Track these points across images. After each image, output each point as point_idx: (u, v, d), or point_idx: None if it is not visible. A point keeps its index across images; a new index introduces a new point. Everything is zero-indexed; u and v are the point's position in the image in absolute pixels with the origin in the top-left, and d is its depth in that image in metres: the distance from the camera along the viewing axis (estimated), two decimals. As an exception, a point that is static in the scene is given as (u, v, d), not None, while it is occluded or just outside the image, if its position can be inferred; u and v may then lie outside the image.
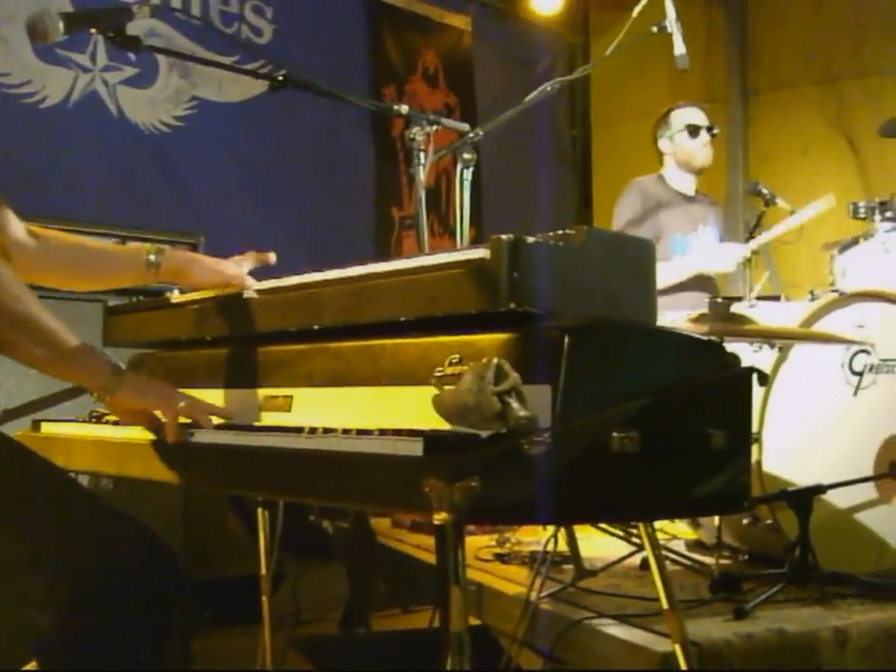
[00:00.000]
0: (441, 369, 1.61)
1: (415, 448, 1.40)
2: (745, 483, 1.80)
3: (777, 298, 3.55)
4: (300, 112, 6.01)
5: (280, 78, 2.65)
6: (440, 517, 1.35)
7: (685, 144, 4.94)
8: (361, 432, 1.57)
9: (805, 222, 4.25)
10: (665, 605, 2.06)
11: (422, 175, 2.78)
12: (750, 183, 4.89)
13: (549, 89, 3.44)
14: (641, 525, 2.05)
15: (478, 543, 3.59)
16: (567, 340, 1.55)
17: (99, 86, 5.46)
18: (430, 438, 1.41)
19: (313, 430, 1.65)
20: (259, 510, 2.89)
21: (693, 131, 4.92)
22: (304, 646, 3.81)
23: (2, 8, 4.97)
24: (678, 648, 2.07)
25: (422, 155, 2.78)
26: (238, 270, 2.33)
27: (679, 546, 3.53)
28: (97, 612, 1.82)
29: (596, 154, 8.10)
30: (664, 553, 3.13)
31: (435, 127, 2.79)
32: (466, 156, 3.01)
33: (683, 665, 2.05)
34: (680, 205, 4.91)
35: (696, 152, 4.94)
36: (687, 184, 4.99)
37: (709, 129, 4.94)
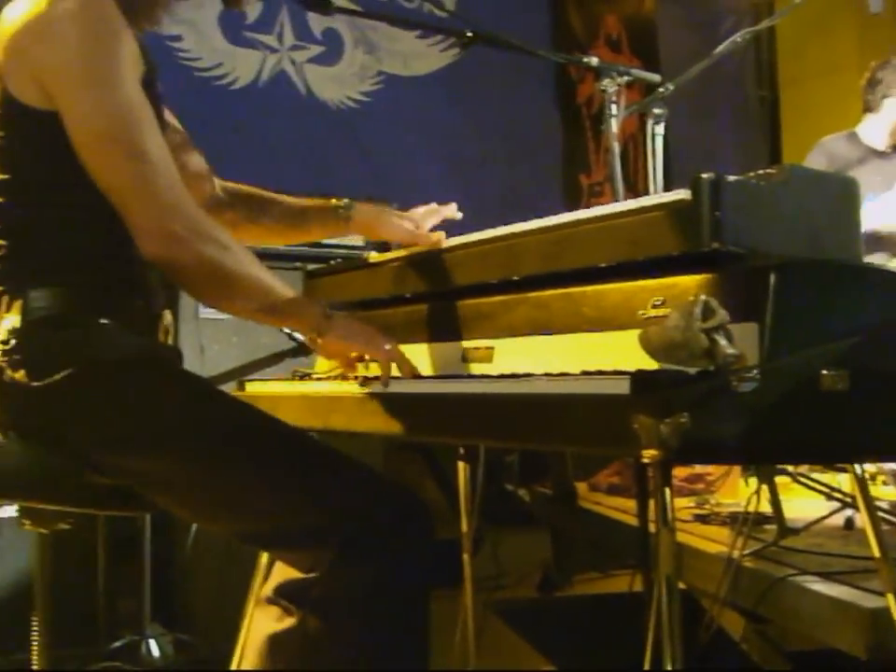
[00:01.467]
0: (644, 311, 1.60)
1: (622, 386, 1.39)
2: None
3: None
4: (484, 83, 6.05)
5: (469, 35, 2.65)
6: (649, 454, 1.34)
7: None
8: (565, 375, 1.57)
9: None
10: (876, 553, 2.01)
11: (614, 127, 2.76)
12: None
13: (738, 40, 3.37)
14: (851, 469, 1.99)
15: (677, 505, 3.54)
16: (772, 277, 1.52)
17: (287, 65, 5.58)
18: (638, 375, 1.40)
19: (516, 375, 1.66)
20: (461, 464, 2.91)
21: None
22: (503, 610, 3.85)
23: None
24: (890, 597, 2.01)
25: (614, 107, 2.76)
26: (423, 227, 2.36)
27: (885, 507, 3.44)
28: (369, 557, 1.81)
29: (785, 114, 7.90)
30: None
31: (626, 78, 2.77)
32: (656, 111, 2.98)
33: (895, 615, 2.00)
34: (873, 162, 4.76)
35: None
36: (882, 139, 4.82)
37: None
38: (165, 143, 2.00)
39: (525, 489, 4.09)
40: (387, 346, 1.98)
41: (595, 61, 2.82)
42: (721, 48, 3.34)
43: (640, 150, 3.08)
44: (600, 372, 1.52)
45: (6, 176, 2.04)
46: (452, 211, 2.42)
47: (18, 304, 1.97)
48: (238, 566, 3.09)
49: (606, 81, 2.75)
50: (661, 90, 3.12)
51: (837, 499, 3.04)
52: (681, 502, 3.60)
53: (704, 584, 2.90)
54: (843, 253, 1.70)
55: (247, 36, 5.44)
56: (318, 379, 2.19)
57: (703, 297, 1.45)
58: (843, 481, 3.37)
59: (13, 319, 1.96)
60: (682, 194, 1.61)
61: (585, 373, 1.55)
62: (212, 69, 5.24)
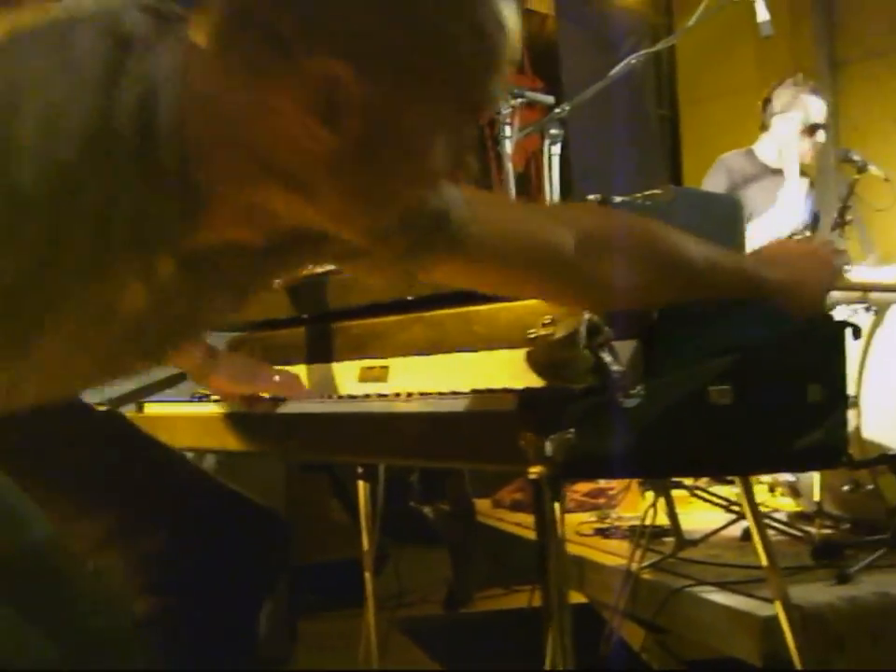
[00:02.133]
0: (533, 330, 1.63)
1: (509, 403, 1.42)
2: (842, 438, 1.80)
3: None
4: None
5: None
6: (536, 470, 1.37)
7: (797, 140, 4.84)
8: (456, 393, 1.60)
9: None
10: (764, 561, 2.06)
11: (508, 148, 2.81)
12: (841, 150, 4.83)
13: (633, 62, 3.44)
14: (739, 482, 2.04)
15: (578, 519, 3.60)
16: (657, 294, 1.56)
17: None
18: (524, 393, 1.44)
19: (409, 394, 1.68)
20: (360, 483, 2.93)
21: (810, 131, 4.82)
22: (408, 627, 3.86)
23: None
24: (778, 604, 2.06)
25: (507, 129, 2.81)
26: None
27: (782, 518, 3.52)
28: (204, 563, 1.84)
29: (685, 133, 8.04)
30: (766, 522, 3.15)
31: (520, 101, 2.81)
32: (553, 132, 3.03)
33: (785, 623, 2.04)
34: (768, 179, 4.86)
35: (806, 153, 4.84)
36: (774, 157, 4.93)
37: (825, 127, 4.82)
38: None
39: (428, 507, 4.11)
40: (276, 378, 2.00)
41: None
42: (616, 69, 3.42)
43: (543, 169, 3.12)
44: (490, 391, 1.55)
45: None
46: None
47: None
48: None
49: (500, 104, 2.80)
50: (557, 110, 3.18)
51: (733, 511, 3.11)
52: (583, 517, 3.65)
53: (605, 597, 2.94)
54: (727, 270, 1.75)
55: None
56: (216, 400, 2.20)
57: (587, 315, 1.48)
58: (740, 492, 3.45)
59: None
60: (570, 215, 1.65)
61: (476, 391, 1.57)
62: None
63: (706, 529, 3.14)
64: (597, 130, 6.76)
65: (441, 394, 1.63)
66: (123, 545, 1.90)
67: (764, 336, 1.67)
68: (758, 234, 4.52)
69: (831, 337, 1.78)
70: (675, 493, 3.08)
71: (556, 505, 1.49)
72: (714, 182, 4.88)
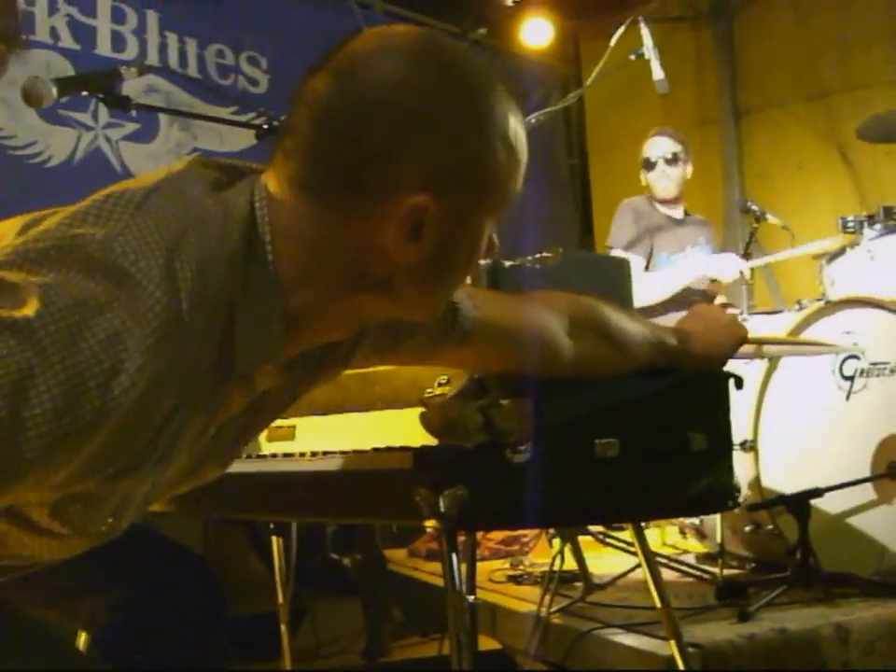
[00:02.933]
0: (430, 389, 1.71)
1: (406, 461, 1.50)
2: (728, 484, 1.90)
3: (779, 312, 3.59)
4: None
5: (265, 127, 2.75)
6: (430, 524, 1.45)
7: (648, 176, 5.08)
8: (357, 452, 1.67)
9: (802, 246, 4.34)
10: (657, 603, 2.14)
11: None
12: (740, 200, 5.00)
13: (533, 121, 3.54)
14: (630, 528, 2.13)
15: (492, 567, 3.66)
16: (546, 355, 1.65)
17: (102, 143, 5.58)
18: (419, 451, 1.51)
19: (314, 454, 1.75)
20: (274, 538, 2.98)
21: (651, 164, 5.05)
22: (324, 678, 3.90)
23: (3, 73, 5.11)
24: (672, 644, 2.15)
25: None
26: None
27: (690, 559, 3.61)
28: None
29: (595, 181, 8.17)
30: (672, 564, 3.24)
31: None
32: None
33: (679, 659, 2.13)
34: (669, 227, 5.01)
35: (654, 184, 5.05)
36: (671, 209, 5.09)
37: (670, 159, 5.02)
38: None
39: (347, 557, 4.16)
40: None
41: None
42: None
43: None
44: (389, 449, 1.63)
45: None
46: None
47: None
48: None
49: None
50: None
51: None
52: (497, 564, 3.72)
53: (517, 642, 3.01)
54: (613, 328, 1.84)
55: (62, 114, 5.42)
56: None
57: (475, 376, 1.56)
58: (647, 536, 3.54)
59: None
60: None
61: (376, 450, 1.65)
62: (26, 147, 5.22)
63: (614, 573, 3.23)
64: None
65: (343, 452, 1.70)
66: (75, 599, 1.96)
67: (649, 389, 1.76)
68: (664, 284, 4.68)
69: (713, 388, 1.88)
70: (583, 538, 3.17)
71: (454, 556, 1.56)
72: (621, 223, 5.01)
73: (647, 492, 1.77)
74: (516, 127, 1.40)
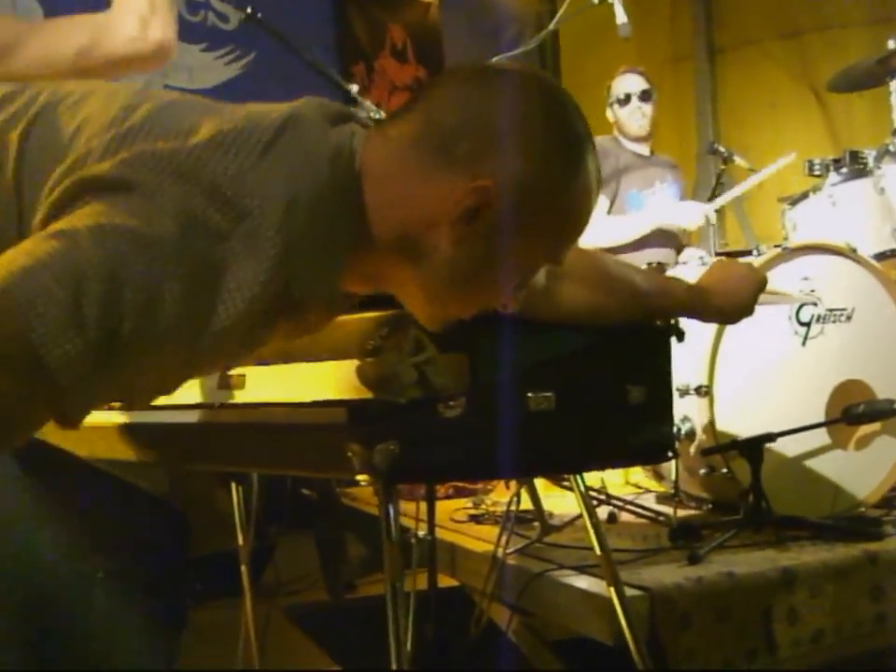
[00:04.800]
0: (372, 342, 1.73)
1: (339, 415, 1.53)
2: (667, 435, 1.93)
3: (749, 252, 3.61)
4: (270, 94, 6.10)
5: (248, 12, 2.77)
6: (362, 478, 1.49)
7: (619, 112, 5.08)
8: (296, 405, 1.70)
9: (765, 178, 4.37)
10: (597, 552, 2.19)
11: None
12: (707, 143, 5.03)
13: (506, 60, 3.52)
14: (572, 477, 2.17)
15: (454, 506, 3.71)
16: (480, 312, 1.67)
17: (71, 78, 5.56)
18: (353, 406, 1.54)
19: (256, 405, 1.78)
20: (233, 484, 3.02)
21: (623, 100, 5.06)
22: (293, 614, 3.95)
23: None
24: (612, 591, 2.20)
25: None
26: None
27: (650, 499, 3.66)
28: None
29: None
30: (627, 507, 3.29)
31: (378, 117, 2.89)
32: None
33: (619, 609, 2.17)
34: (638, 164, 5.03)
35: (627, 120, 5.07)
36: (639, 146, 5.10)
37: (642, 95, 5.04)
38: None
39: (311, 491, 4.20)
40: None
41: (354, 88, 2.93)
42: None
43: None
44: (326, 402, 1.65)
45: None
46: None
47: None
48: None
49: (362, 114, 2.86)
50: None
51: (597, 499, 3.24)
52: (460, 503, 3.77)
53: (475, 582, 3.06)
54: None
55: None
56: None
57: (414, 333, 1.59)
58: (606, 477, 3.58)
59: None
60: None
61: (315, 403, 1.68)
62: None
63: (574, 513, 3.27)
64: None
65: (283, 405, 1.73)
66: None
67: (586, 343, 1.79)
68: (630, 228, 4.71)
69: (652, 341, 1.91)
70: (540, 480, 3.21)
71: (391, 507, 1.60)
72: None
73: (583, 445, 1.80)
74: (592, 188, 1.51)
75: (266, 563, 3.93)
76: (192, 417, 1.96)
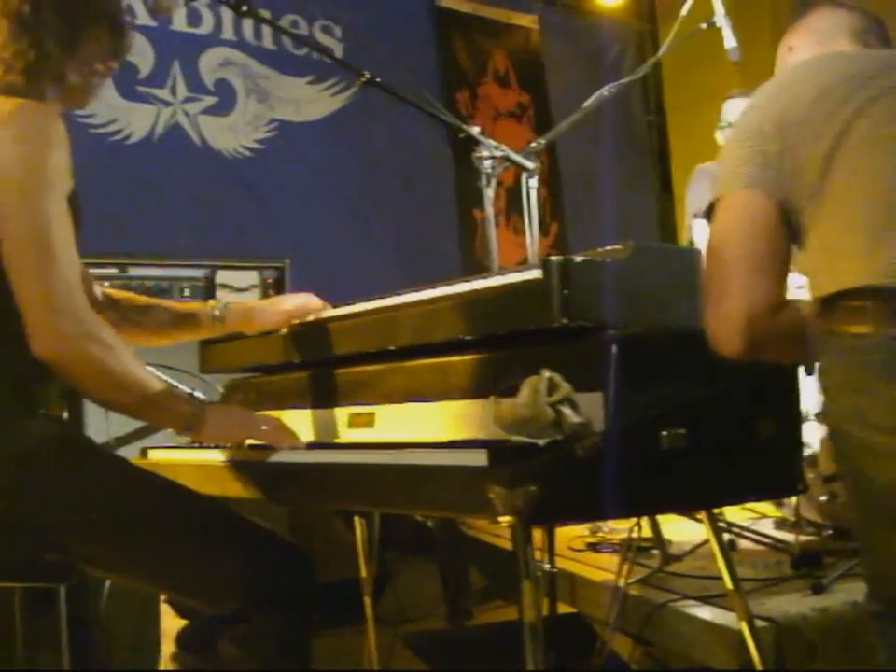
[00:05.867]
0: (503, 382, 1.76)
1: (480, 459, 1.55)
2: (797, 467, 1.93)
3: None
4: (375, 124, 6.21)
5: (366, 76, 2.82)
6: (505, 520, 1.51)
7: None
8: (433, 445, 1.73)
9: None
10: (728, 585, 2.19)
11: (490, 193, 2.90)
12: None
13: (606, 93, 3.54)
14: (703, 512, 2.17)
15: (572, 533, 3.71)
16: (614, 349, 1.70)
17: (181, 117, 5.68)
18: (493, 449, 1.56)
19: (389, 445, 1.81)
20: (356, 517, 3.07)
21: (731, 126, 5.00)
22: (413, 642, 3.97)
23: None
24: (744, 625, 2.19)
25: (485, 178, 2.90)
26: (294, 303, 2.52)
27: (767, 525, 3.63)
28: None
29: (672, 139, 8.13)
30: (747, 534, 3.26)
31: (501, 153, 2.91)
32: (529, 165, 3.11)
33: (751, 643, 2.17)
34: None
35: None
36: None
37: None
38: (76, 255, 2.15)
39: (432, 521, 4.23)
40: (264, 427, 2.13)
41: (475, 130, 2.96)
42: (588, 101, 3.52)
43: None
44: (463, 443, 1.69)
45: None
46: (315, 304, 2.55)
47: None
48: (154, 624, 3.20)
49: (484, 153, 2.88)
50: (534, 144, 3.28)
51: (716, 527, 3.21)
52: (577, 530, 3.76)
53: (594, 611, 3.06)
54: (683, 320, 1.88)
55: (141, 91, 5.53)
56: (213, 446, 2.32)
57: (547, 373, 1.61)
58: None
59: None
60: (535, 273, 1.77)
61: (451, 443, 1.71)
62: (107, 125, 5.31)
63: (694, 541, 3.26)
64: (586, 138, 6.86)
65: (419, 445, 1.77)
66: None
67: (718, 381, 1.80)
68: None
69: (782, 374, 1.91)
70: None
71: (528, 548, 1.62)
72: (697, 190, 4.99)
73: (715, 481, 1.81)
74: None
75: (383, 590, 3.96)
76: (325, 457, 2.01)
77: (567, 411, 1.59)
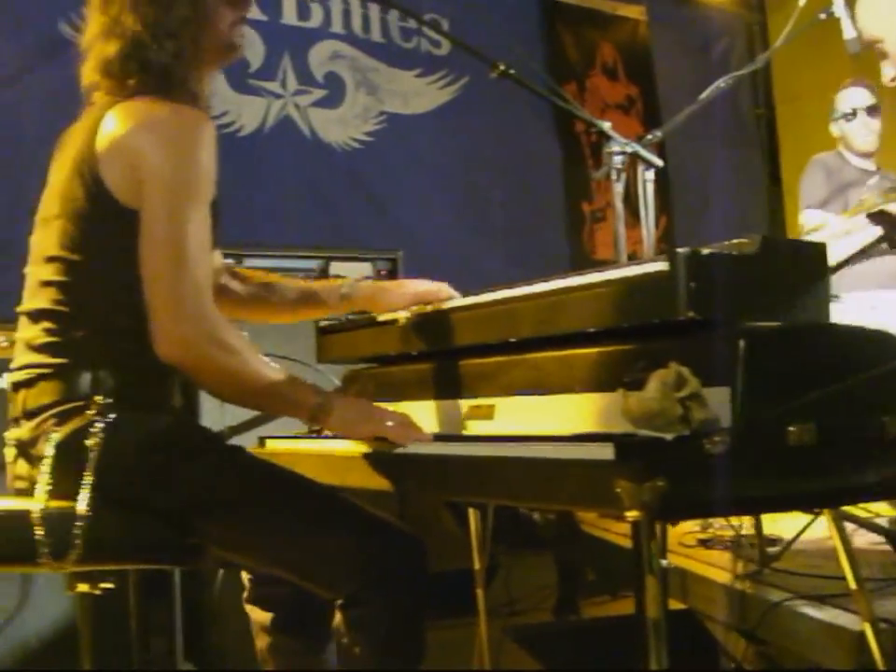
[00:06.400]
0: (628, 375, 1.75)
1: (607, 452, 1.54)
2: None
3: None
4: (483, 116, 6.22)
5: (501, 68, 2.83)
6: (631, 515, 1.50)
7: (845, 127, 4.96)
8: (558, 438, 1.73)
9: None
10: (852, 585, 2.16)
11: (619, 189, 2.88)
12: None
13: (722, 85, 3.52)
14: (826, 511, 2.14)
15: (682, 529, 3.68)
16: (742, 343, 1.68)
17: (291, 110, 5.74)
18: (620, 443, 1.55)
19: (514, 438, 1.81)
20: (470, 509, 3.07)
21: (850, 114, 4.93)
22: (519, 635, 3.98)
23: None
24: (867, 626, 2.16)
25: (622, 175, 2.88)
26: (425, 289, 2.53)
27: (881, 523, 3.57)
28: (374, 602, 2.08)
29: (782, 131, 8.03)
30: (865, 530, 3.21)
31: (631, 149, 2.89)
32: (658, 162, 3.09)
33: (874, 644, 2.14)
34: (862, 181, 4.91)
35: (854, 135, 4.94)
36: (865, 162, 4.98)
37: (870, 110, 4.91)
38: (210, 260, 2.20)
39: (536, 513, 4.23)
40: (390, 423, 2.15)
41: (607, 125, 2.95)
42: (706, 93, 3.50)
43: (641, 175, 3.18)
44: (588, 436, 1.68)
45: (84, 257, 2.23)
46: (446, 292, 2.55)
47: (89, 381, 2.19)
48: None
49: (615, 147, 2.87)
50: (650, 136, 3.26)
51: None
52: (687, 526, 3.74)
53: (706, 608, 3.04)
54: (811, 314, 1.86)
55: (252, 84, 5.60)
56: (332, 436, 2.34)
57: (676, 367, 1.60)
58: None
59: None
60: (661, 266, 1.76)
61: (575, 437, 1.70)
62: (219, 118, 5.37)
63: (806, 537, 3.21)
64: (693, 131, 6.80)
65: (542, 438, 1.76)
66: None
67: (847, 374, 1.77)
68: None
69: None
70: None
71: (652, 544, 1.61)
72: (812, 180, 4.95)
73: (842, 478, 1.78)
74: None
75: (490, 582, 3.97)
76: (449, 448, 2.01)
77: (695, 405, 1.58)
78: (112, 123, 2.21)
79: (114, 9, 2.28)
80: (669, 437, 1.57)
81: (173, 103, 2.22)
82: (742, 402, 1.64)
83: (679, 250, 1.72)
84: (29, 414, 2.22)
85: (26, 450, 2.23)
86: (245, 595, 2.47)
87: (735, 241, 1.82)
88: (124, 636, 3.60)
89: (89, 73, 2.35)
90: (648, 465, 1.51)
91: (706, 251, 1.75)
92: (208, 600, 3.67)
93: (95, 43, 2.33)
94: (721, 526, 3.64)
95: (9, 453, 2.28)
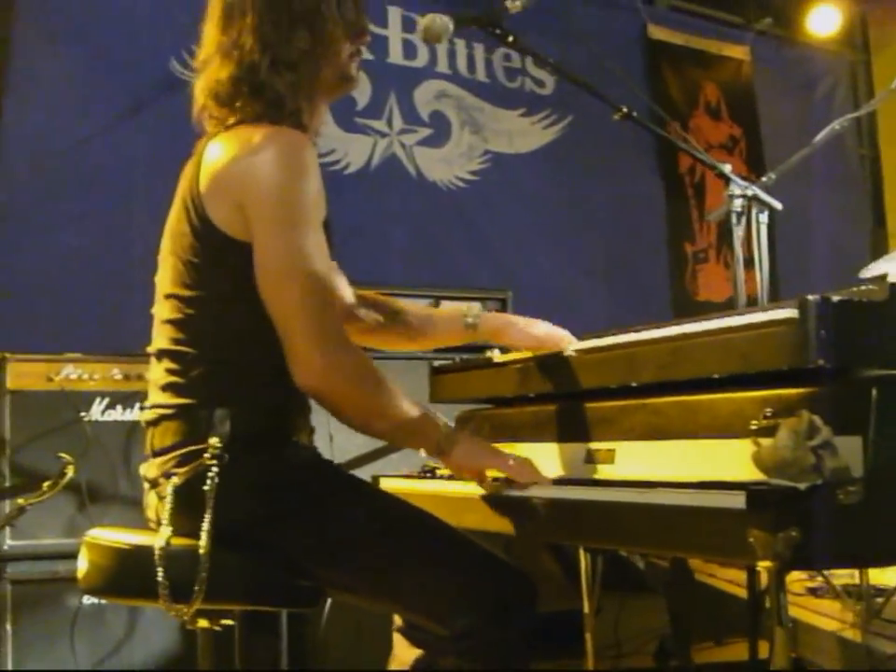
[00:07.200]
0: (756, 422, 1.73)
1: (738, 501, 1.53)
2: None
3: None
4: (587, 157, 6.22)
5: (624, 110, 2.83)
6: (764, 565, 1.49)
7: None
8: (684, 485, 1.71)
9: None
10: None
11: (739, 233, 2.86)
12: None
13: (837, 127, 3.48)
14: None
15: (790, 578, 3.62)
16: (874, 391, 1.66)
17: (397, 149, 5.79)
18: (753, 491, 1.54)
19: (637, 483, 1.80)
20: (581, 551, 3.06)
21: None
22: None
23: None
24: None
25: (742, 219, 2.86)
26: (548, 331, 2.52)
27: None
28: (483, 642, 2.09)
29: (887, 172, 7.93)
30: None
31: (751, 192, 2.87)
32: (778, 206, 3.06)
33: None
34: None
35: None
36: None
37: None
38: (334, 282, 2.21)
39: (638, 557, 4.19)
40: (511, 462, 2.15)
41: (727, 168, 2.93)
42: (820, 136, 3.46)
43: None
44: (716, 484, 1.66)
45: (198, 293, 2.25)
46: (568, 340, 2.53)
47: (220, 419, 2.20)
48: (367, 642, 3.25)
49: (736, 190, 2.85)
50: (764, 179, 3.23)
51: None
52: (793, 574, 3.68)
53: (817, 658, 2.98)
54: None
55: (358, 122, 5.65)
56: (449, 477, 2.35)
57: (808, 416, 1.58)
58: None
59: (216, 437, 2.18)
60: (790, 312, 1.74)
61: (703, 484, 1.69)
62: (326, 155, 5.42)
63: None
64: (797, 173, 6.72)
65: (668, 484, 1.75)
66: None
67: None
68: None
69: None
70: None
71: (782, 594, 1.59)
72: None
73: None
74: None
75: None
76: (569, 493, 2.01)
77: (827, 455, 1.56)
78: (213, 155, 2.22)
79: (234, 30, 2.28)
80: (802, 486, 1.55)
81: (272, 124, 2.21)
82: (874, 452, 1.62)
83: (810, 297, 1.71)
84: (156, 454, 2.26)
85: (154, 487, 2.27)
86: (400, 625, 2.40)
87: (863, 287, 1.80)
88: (230, 669, 3.62)
89: (199, 94, 2.35)
90: (781, 514, 1.49)
91: (836, 298, 1.73)
92: (312, 634, 3.69)
93: (210, 63, 2.33)
94: (831, 574, 3.58)
95: (145, 485, 2.32)
